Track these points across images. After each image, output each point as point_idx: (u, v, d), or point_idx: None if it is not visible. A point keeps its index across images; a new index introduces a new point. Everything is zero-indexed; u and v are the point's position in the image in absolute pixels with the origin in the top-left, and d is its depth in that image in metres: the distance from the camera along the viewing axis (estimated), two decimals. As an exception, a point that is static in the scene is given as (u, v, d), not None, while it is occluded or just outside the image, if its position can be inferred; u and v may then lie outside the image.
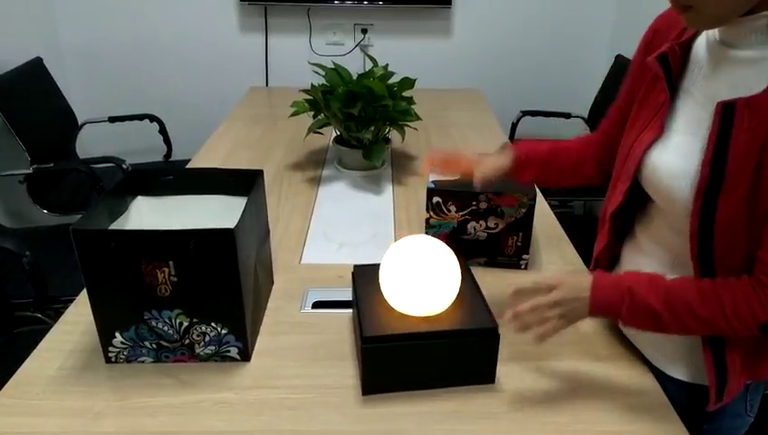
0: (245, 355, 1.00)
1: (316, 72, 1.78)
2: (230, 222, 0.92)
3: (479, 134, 2.14)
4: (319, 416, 0.91)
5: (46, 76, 2.55)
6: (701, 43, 0.87)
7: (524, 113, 2.81)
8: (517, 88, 3.09)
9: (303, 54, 2.97)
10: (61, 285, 1.78)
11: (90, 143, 2.92)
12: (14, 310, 1.66)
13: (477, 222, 1.24)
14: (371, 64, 1.80)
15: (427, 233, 1.24)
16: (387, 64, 1.79)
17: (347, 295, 1.17)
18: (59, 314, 1.13)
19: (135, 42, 2.94)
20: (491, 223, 1.24)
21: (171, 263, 0.91)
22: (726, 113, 0.77)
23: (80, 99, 2.82)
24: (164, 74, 3.02)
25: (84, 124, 2.70)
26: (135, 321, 0.96)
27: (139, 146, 2.95)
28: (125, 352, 0.99)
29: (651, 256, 0.96)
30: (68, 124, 2.63)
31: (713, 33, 0.84)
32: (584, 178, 1.15)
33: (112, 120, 2.72)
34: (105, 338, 0.98)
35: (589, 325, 1.10)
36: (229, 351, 1.00)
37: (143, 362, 1.00)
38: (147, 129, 2.76)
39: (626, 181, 0.95)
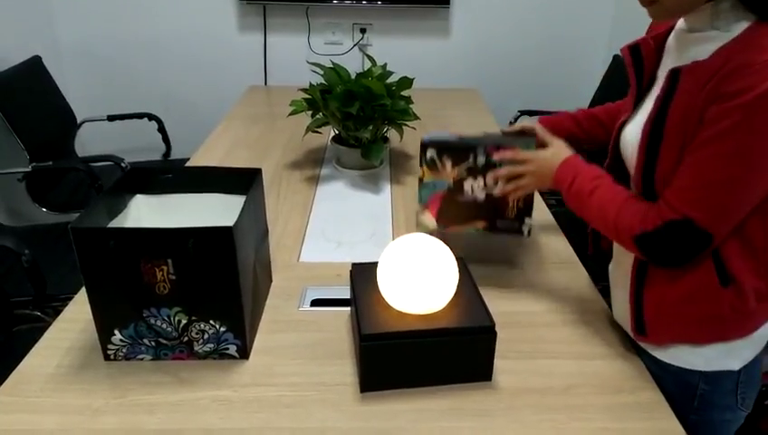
0: (244, 353, 1.01)
1: (315, 72, 1.79)
2: (229, 220, 0.92)
3: (477, 133, 2.14)
4: (317, 413, 0.91)
5: (45, 74, 2.55)
6: (672, 35, 0.94)
7: (522, 113, 2.81)
8: (515, 87, 3.09)
9: (302, 54, 2.98)
10: (60, 283, 1.78)
11: (89, 142, 2.93)
12: (13, 308, 1.67)
13: (475, 179, 1.13)
14: (370, 64, 1.80)
15: (420, 193, 1.15)
16: (385, 64, 1.79)
17: (345, 294, 1.18)
18: (58, 312, 1.14)
19: (134, 40, 2.95)
20: (490, 181, 1.13)
21: (170, 261, 0.91)
22: (673, 79, 0.85)
23: (79, 97, 2.83)
24: (163, 73, 3.02)
25: (83, 123, 2.70)
26: (134, 319, 0.96)
27: (137, 145, 2.95)
28: (124, 350, 0.99)
29: None
30: (67, 123, 2.63)
31: (680, 23, 0.92)
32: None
33: (111, 118, 2.73)
34: (104, 336, 0.98)
35: (585, 324, 1.11)
36: (228, 348, 1.00)
37: (142, 359, 1.00)
38: (146, 127, 2.76)
39: (607, 159, 1.07)
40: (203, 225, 0.90)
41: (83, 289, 1.17)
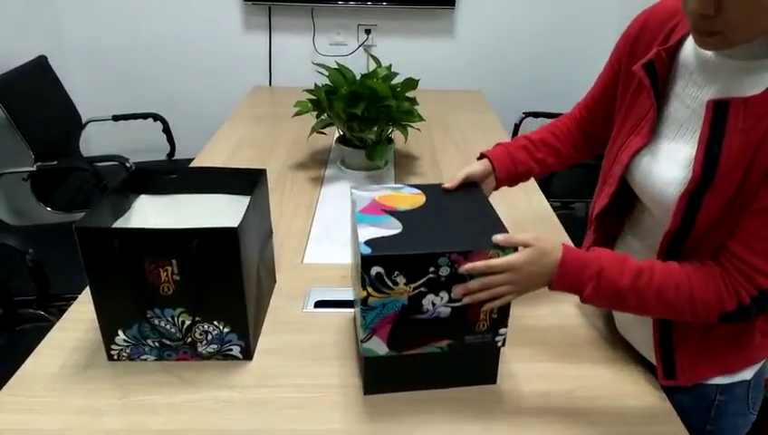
0: (247, 354, 1.00)
1: (320, 72, 1.79)
2: (233, 221, 0.92)
3: (482, 135, 2.14)
4: (320, 415, 0.91)
5: (50, 75, 2.56)
6: (688, 48, 0.85)
7: (527, 114, 2.81)
8: (520, 89, 3.09)
9: (307, 54, 2.98)
10: (64, 282, 1.78)
11: (93, 142, 2.93)
12: (17, 307, 1.67)
13: (437, 294, 0.87)
14: (375, 65, 1.80)
15: (364, 318, 0.87)
16: (390, 65, 1.79)
17: (349, 295, 1.18)
18: (62, 311, 1.14)
19: (139, 41, 2.95)
20: (457, 293, 0.87)
21: (174, 261, 0.91)
22: (718, 113, 0.77)
23: (84, 97, 2.83)
24: (168, 73, 3.02)
25: (88, 123, 2.70)
26: (137, 319, 0.96)
27: (142, 145, 2.96)
28: (127, 350, 0.99)
29: (642, 256, 0.97)
30: (72, 122, 2.64)
31: None
32: (564, 164, 1.18)
33: (116, 118, 2.73)
34: (107, 336, 0.98)
35: (590, 327, 1.10)
36: (231, 350, 1.00)
37: (145, 359, 1.00)
38: (150, 127, 2.77)
39: (612, 184, 0.96)
40: (208, 225, 0.90)
41: (87, 289, 1.17)
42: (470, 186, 1.06)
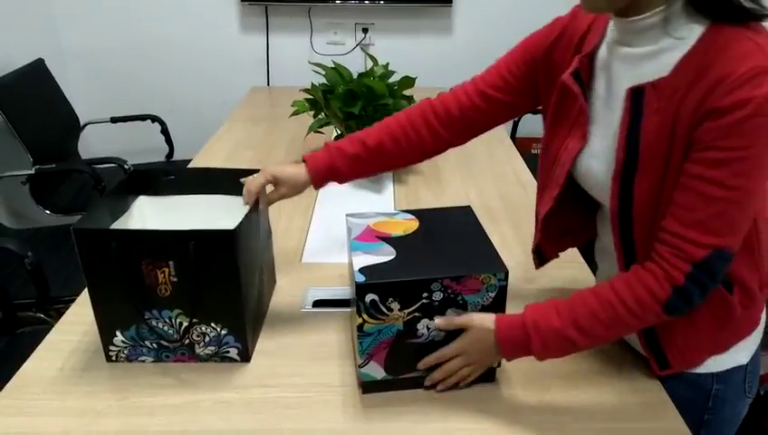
0: (245, 356, 1.00)
1: (317, 72, 1.78)
2: (233, 221, 0.92)
3: (480, 132, 2.13)
4: (319, 415, 0.91)
5: (48, 77, 2.56)
6: (603, 50, 0.90)
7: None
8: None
9: (304, 54, 2.98)
10: (63, 285, 1.78)
11: (92, 144, 2.93)
12: (17, 310, 1.67)
13: (431, 319, 0.89)
14: (372, 63, 1.80)
15: (360, 343, 0.90)
16: (387, 63, 1.79)
17: (348, 294, 1.17)
18: (61, 314, 1.14)
19: (136, 42, 2.95)
20: (439, 324, 0.90)
21: (171, 263, 0.91)
22: (635, 99, 0.81)
23: (82, 100, 2.83)
24: (165, 75, 3.02)
25: (86, 125, 2.71)
26: (135, 320, 0.96)
27: (140, 146, 2.95)
28: (125, 352, 0.99)
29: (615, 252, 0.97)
30: (70, 125, 2.64)
31: (611, 37, 0.88)
32: (398, 166, 1.13)
33: (114, 120, 2.73)
34: (106, 337, 0.98)
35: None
36: (228, 352, 1.00)
37: (144, 361, 1.00)
38: (149, 129, 2.76)
39: (555, 188, 0.98)
40: (206, 226, 0.90)
41: (86, 291, 1.17)
42: (463, 210, 1.06)
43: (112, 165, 2.35)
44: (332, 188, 1.69)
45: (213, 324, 0.97)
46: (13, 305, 1.65)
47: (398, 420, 0.90)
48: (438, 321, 0.90)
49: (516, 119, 2.80)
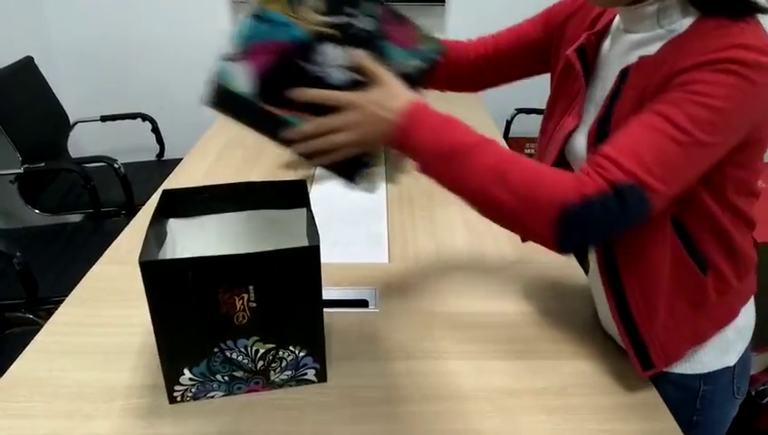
0: (322, 376, 0.95)
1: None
2: (277, 238, 0.85)
3: (472, 132, 2.13)
4: (312, 416, 0.90)
5: (37, 75, 2.53)
6: (610, 34, 0.91)
7: (519, 111, 2.81)
8: (511, 86, 3.07)
9: (296, 53, 2.97)
10: (52, 285, 1.76)
11: (81, 143, 2.91)
12: (5, 311, 1.66)
13: (343, 48, 0.72)
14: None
15: (243, 29, 0.73)
16: (379, 62, 1.78)
17: (341, 295, 1.17)
18: (50, 314, 1.12)
19: (127, 40, 2.93)
20: (354, 58, 0.74)
21: (251, 288, 0.84)
22: (622, 78, 0.83)
23: (71, 98, 2.81)
24: (156, 73, 3.00)
25: (76, 123, 2.69)
26: (207, 354, 0.88)
27: (131, 145, 2.93)
28: (193, 390, 0.91)
29: None
30: (59, 123, 2.62)
31: (617, 22, 0.90)
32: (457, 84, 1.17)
33: (104, 119, 2.71)
34: (171, 377, 0.89)
35: (581, 323, 1.10)
36: (306, 374, 0.94)
37: (212, 397, 0.92)
38: (139, 128, 2.75)
39: (548, 164, 0.96)
40: (250, 244, 0.83)
41: (75, 291, 1.16)
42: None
43: (102, 164, 2.33)
44: (324, 187, 1.69)
45: (291, 348, 0.91)
46: (1, 306, 1.64)
47: (393, 422, 0.89)
48: (360, 52, 0.75)
49: (509, 118, 2.80)
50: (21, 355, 1.01)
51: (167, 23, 2.91)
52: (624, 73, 0.83)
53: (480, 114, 2.35)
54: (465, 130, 0.79)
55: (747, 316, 0.95)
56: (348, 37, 0.71)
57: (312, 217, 0.91)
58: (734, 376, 0.95)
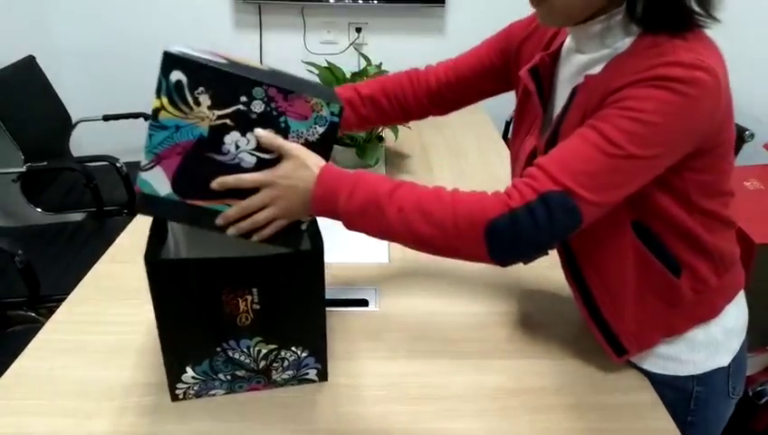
0: (323, 376, 0.97)
1: (310, 72, 1.78)
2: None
3: (472, 133, 2.14)
4: (312, 414, 0.91)
5: (39, 75, 2.54)
6: (563, 54, 0.92)
7: (519, 112, 2.81)
8: (512, 86, 3.09)
9: (298, 53, 2.97)
10: (53, 284, 1.77)
11: (84, 142, 2.91)
12: (7, 309, 1.66)
13: (243, 135, 0.74)
14: (365, 63, 1.80)
15: (150, 138, 0.74)
16: (380, 63, 1.79)
17: (341, 294, 1.18)
18: (52, 312, 1.13)
19: (129, 39, 2.93)
20: (263, 138, 0.77)
21: (255, 290, 0.85)
22: (571, 97, 0.84)
23: (74, 97, 2.81)
24: (158, 72, 3.00)
25: (78, 123, 2.69)
26: (210, 354, 0.89)
27: (133, 144, 2.93)
28: (195, 388, 0.92)
29: None
30: (62, 123, 2.63)
31: (569, 42, 0.90)
32: (385, 123, 1.19)
33: (106, 118, 2.72)
34: (173, 375, 0.90)
35: (579, 323, 1.11)
36: (308, 374, 0.95)
37: (214, 395, 0.94)
38: (141, 127, 2.74)
39: None
40: (255, 245, 0.83)
41: (77, 289, 1.17)
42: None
43: (104, 163, 2.34)
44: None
45: (293, 348, 0.92)
46: (3, 304, 1.64)
47: (393, 420, 0.90)
48: (261, 131, 0.76)
49: (508, 119, 2.81)
50: (22, 353, 1.02)
51: (170, 23, 2.91)
52: (573, 93, 0.84)
53: (479, 115, 2.36)
54: (376, 181, 0.79)
55: (737, 316, 0.95)
56: (247, 122, 0.74)
57: (315, 219, 0.91)
58: (729, 376, 0.95)
